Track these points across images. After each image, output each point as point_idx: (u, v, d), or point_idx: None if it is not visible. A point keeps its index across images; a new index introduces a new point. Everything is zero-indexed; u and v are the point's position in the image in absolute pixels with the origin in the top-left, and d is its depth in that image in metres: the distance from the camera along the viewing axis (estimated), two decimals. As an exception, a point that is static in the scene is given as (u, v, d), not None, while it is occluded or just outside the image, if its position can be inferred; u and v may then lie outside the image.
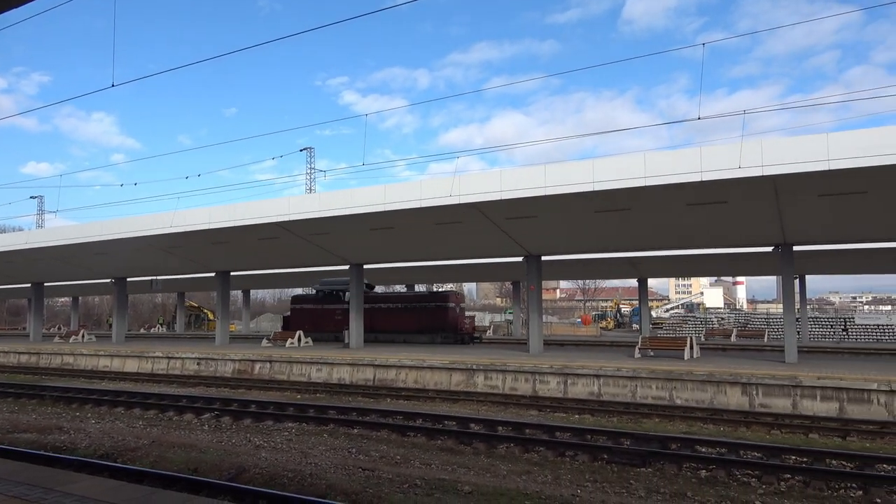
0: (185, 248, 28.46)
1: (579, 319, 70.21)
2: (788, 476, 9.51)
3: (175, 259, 30.81)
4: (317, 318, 35.43)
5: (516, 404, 17.17)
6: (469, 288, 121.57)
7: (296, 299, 39.58)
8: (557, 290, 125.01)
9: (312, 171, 55.39)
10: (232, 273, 33.19)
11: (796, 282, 31.74)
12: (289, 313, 38.64)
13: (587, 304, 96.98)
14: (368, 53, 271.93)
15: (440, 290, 39.84)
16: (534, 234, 22.81)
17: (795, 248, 20.97)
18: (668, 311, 77.07)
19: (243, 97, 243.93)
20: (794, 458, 10.63)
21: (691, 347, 22.04)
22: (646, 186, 16.59)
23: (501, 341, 38.56)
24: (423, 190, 20.37)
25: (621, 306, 79.04)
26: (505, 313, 66.60)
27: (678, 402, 16.88)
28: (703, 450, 11.15)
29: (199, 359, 26.06)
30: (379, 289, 47.15)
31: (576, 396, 18.03)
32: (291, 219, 22.62)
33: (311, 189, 54.51)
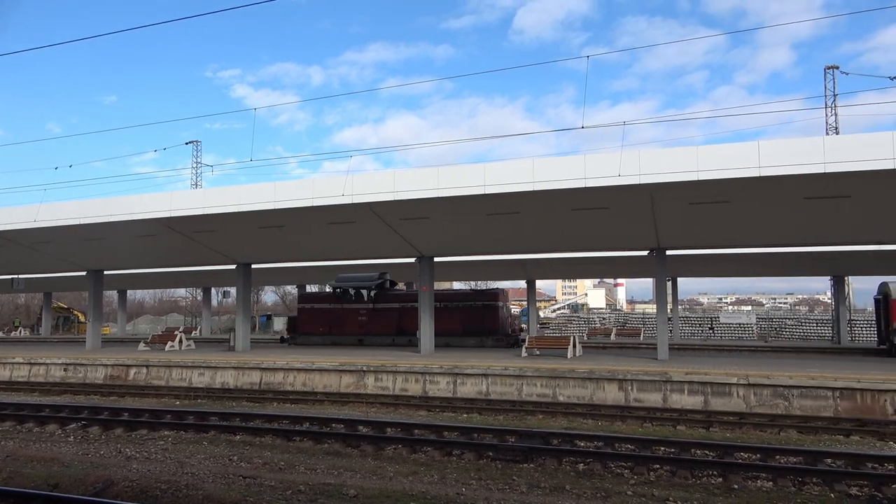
0: (53, 244, 26.24)
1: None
2: (658, 466, 10.13)
3: (41, 256, 28.33)
4: (334, 319, 31.56)
5: (406, 405, 17.21)
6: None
7: (306, 298, 35.17)
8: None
9: (198, 165, 52.83)
10: (106, 272, 30.98)
11: (669, 284, 34.04)
12: (295, 314, 34.77)
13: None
14: (262, 46, 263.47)
15: (489, 287, 35.45)
16: (427, 235, 22.97)
17: (669, 252, 22.43)
18: (554, 311, 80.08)
19: (125, 84, 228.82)
20: (663, 449, 11.34)
21: (574, 346, 23.03)
22: (534, 191, 17.15)
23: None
24: (315, 188, 19.97)
25: (511, 307, 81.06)
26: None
27: (561, 398, 17.57)
28: (582, 444, 11.67)
29: (67, 364, 24.11)
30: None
31: (465, 396, 18.32)
32: (174, 215, 21.44)
33: (196, 185, 51.96)
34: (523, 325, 37.36)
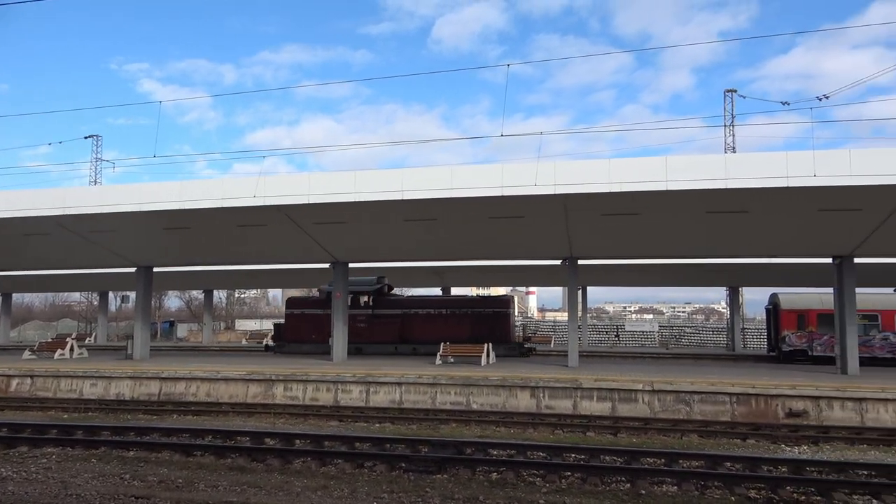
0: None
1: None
2: (569, 474, 10.21)
3: None
4: (328, 325, 28.70)
5: (317, 415, 16.67)
6: (274, 294, 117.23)
7: (294, 303, 32.34)
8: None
9: (98, 161, 49.70)
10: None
11: (579, 292, 34.94)
12: (282, 321, 31.95)
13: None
14: (172, 41, 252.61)
15: (497, 294, 32.86)
16: (342, 240, 22.49)
17: (580, 261, 23.00)
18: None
19: (16, 72, 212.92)
20: (573, 456, 11.46)
21: (488, 354, 23.16)
22: (452, 198, 17.12)
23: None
24: (225, 189, 19.13)
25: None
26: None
27: (474, 406, 17.56)
28: (495, 453, 11.61)
29: (-63, 374, 21.83)
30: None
31: (378, 405, 17.98)
32: (69, 213, 19.93)
33: (95, 181, 48.84)
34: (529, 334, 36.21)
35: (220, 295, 69.72)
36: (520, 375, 18.26)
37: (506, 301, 30.23)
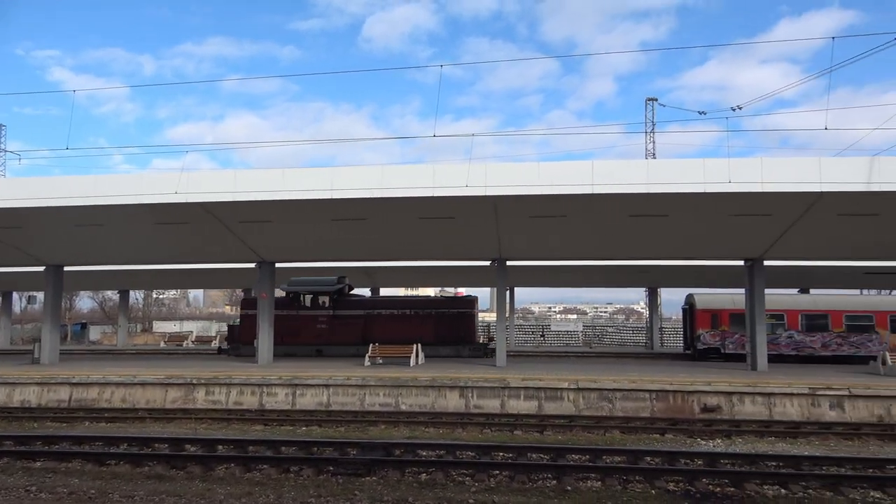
0: None
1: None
2: (497, 472, 10.32)
3: None
4: (288, 327, 27.74)
5: (241, 419, 16.18)
6: (195, 295, 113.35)
7: (250, 303, 30.06)
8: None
9: (2, 152, 46.55)
10: None
11: (507, 293, 35.44)
12: (238, 321, 30.23)
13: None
14: (86, 27, 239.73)
15: (462, 295, 31.59)
16: (268, 239, 21.93)
17: (509, 262, 23.34)
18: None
19: None
20: (502, 454, 11.60)
21: (417, 355, 23.14)
22: (383, 198, 17.00)
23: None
24: (143, 184, 18.31)
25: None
26: (234, 322, 63.25)
27: (403, 407, 17.49)
28: (424, 453, 11.60)
29: None
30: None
31: (304, 408, 17.63)
32: (-35, 207, 18.53)
33: (-1, 174, 45.73)
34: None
35: (136, 295, 66.71)
36: (449, 376, 18.33)
37: (470, 302, 30.05)
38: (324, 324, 28.29)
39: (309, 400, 17.91)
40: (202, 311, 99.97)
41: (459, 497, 8.97)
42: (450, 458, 11.11)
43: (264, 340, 23.73)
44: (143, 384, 18.57)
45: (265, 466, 10.59)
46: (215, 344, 44.25)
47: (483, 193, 16.47)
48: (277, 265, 24.67)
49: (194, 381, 18.38)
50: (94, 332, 55.15)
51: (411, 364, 22.39)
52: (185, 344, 43.87)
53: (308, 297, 29.03)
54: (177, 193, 17.66)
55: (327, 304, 28.75)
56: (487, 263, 23.90)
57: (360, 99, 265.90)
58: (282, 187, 17.42)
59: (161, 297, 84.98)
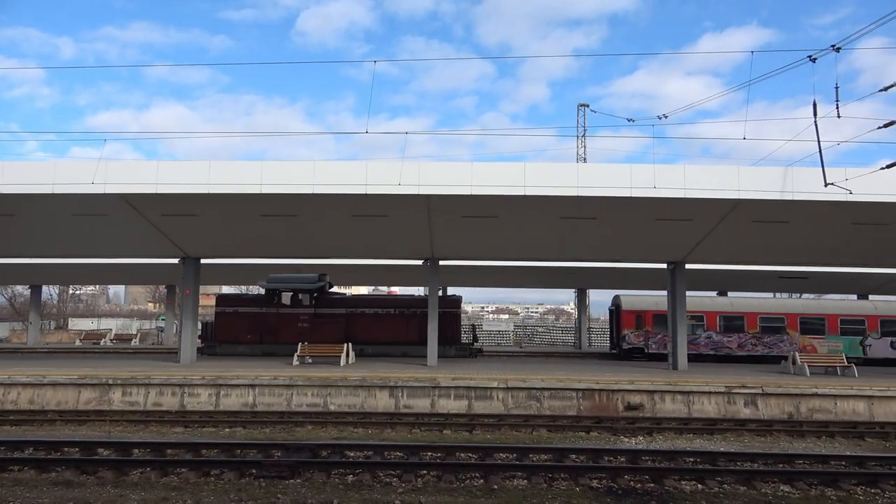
0: None
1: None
2: (425, 472, 10.26)
3: None
4: (267, 326, 26.69)
5: (160, 421, 15.50)
6: (115, 291, 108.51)
7: (227, 300, 29.55)
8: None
9: None
10: None
11: (440, 293, 35.45)
12: (212, 319, 29.01)
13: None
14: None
15: (450, 294, 30.72)
16: (194, 234, 21.15)
17: (442, 262, 23.35)
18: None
19: None
20: (430, 454, 11.55)
21: (347, 354, 22.84)
22: (314, 194, 16.67)
23: (151, 351, 34.96)
24: (59, 173, 17.29)
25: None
26: (157, 320, 60.87)
27: (332, 408, 17.22)
28: (352, 454, 11.43)
29: None
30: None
31: (229, 408, 17.08)
32: None
33: None
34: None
35: (50, 291, 63.12)
36: (379, 375, 18.16)
37: (456, 301, 29.56)
38: (305, 322, 27.53)
39: (234, 400, 17.37)
40: (123, 309, 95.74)
41: (386, 498, 8.87)
42: (378, 459, 10.99)
43: (187, 339, 22.86)
44: (53, 385, 17.53)
45: (184, 470, 10.16)
46: (135, 342, 42.39)
47: (416, 192, 16.41)
48: (247, 261, 23.94)
49: (110, 382, 17.49)
50: (2, 330, 51.84)
51: (341, 364, 22.08)
52: (102, 342, 41.81)
53: (288, 295, 28.31)
54: (94, 184, 16.77)
55: (308, 303, 28.06)
56: (420, 263, 23.84)
57: (294, 93, 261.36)
58: (208, 180, 16.82)
59: (78, 292, 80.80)
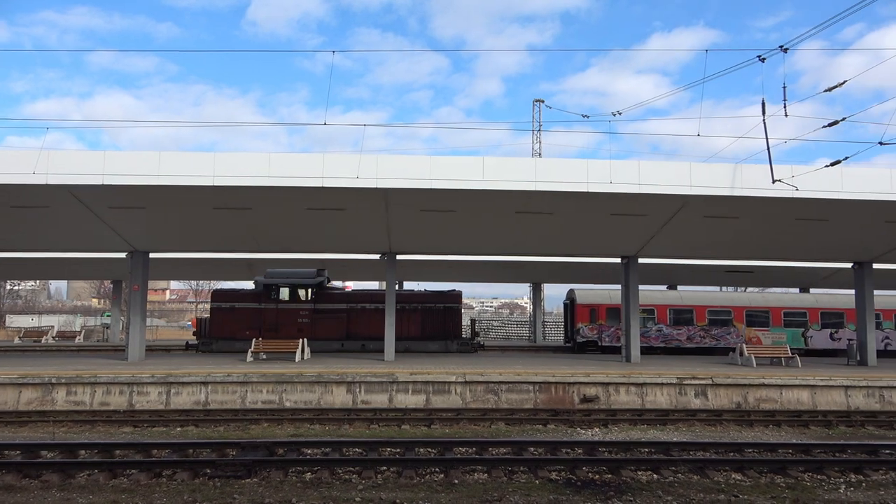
0: None
1: (189, 322, 66.35)
2: (385, 468, 10.17)
3: None
4: (266, 321, 25.82)
5: (107, 421, 14.96)
6: (58, 286, 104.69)
7: (223, 296, 28.43)
8: (167, 292, 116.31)
9: None
10: None
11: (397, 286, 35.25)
12: (208, 315, 28.20)
13: (199, 306, 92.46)
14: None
15: (450, 289, 30.24)
16: (142, 227, 20.46)
17: (399, 256, 23.21)
18: (283, 313, 78.04)
19: None
20: (389, 450, 11.47)
21: (303, 350, 22.51)
22: (269, 186, 16.31)
23: (96, 348, 33.77)
24: (-6, 163, 16.41)
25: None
26: (103, 316, 58.88)
27: (288, 404, 16.93)
28: (310, 452, 11.26)
29: None
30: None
31: (180, 407, 16.61)
32: None
33: None
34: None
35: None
36: (336, 371, 17.95)
37: (457, 296, 29.50)
38: (306, 318, 27.24)
39: (185, 399, 16.90)
40: (65, 305, 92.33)
41: (346, 496, 8.75)
42: (336, 456, 10.83)
43: (135, 336, 22.15)
44: (-9, 385, 16.72)
45: (134, 471, 9.82)
46: (79, 340, 40.88)
47: (375, 185, 16.22)
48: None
49: (53, 381, 16.79)
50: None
51: (297, 359, 21.75)
52: (44, 340, 40.19)
53: (287, 290, 27.82)
54: (35, 174, 16.02)
55: (308, 298, 27.70)
56: (377, 257, 23.66)
57: (245, 84, 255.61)
58: (158, 172, 16.26)
59: (17, 288, 77.49)
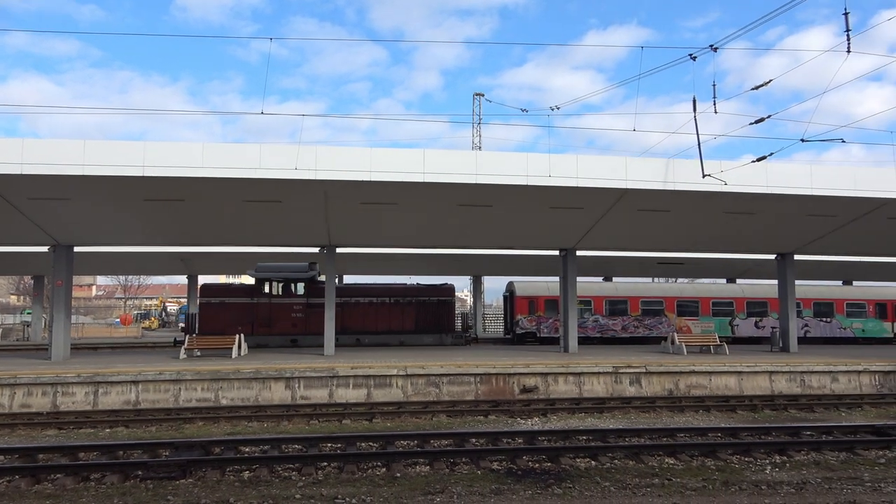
0: None
1: (118, 319, 63.81)
2: (325, 464, 10.03)
3: None
4: (259, 316, 24.93)
5: (29, 424, 14.18)
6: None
7: (212, 290, 27.81)
8: (94, 287, 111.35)
9: None
10: None
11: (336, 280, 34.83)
12: (198, 310, 27.72)
13: (128, 302, 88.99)
14: None
15: (443, 283, 30.17)
16: (66, 220, 19.44)
17: (339, 249, 22.92)
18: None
19: None
20: (330, 445, 11.33)
21: (240, 346, 21.97)
22: (203, 177, 15.79)
23: (16, 347, 32.00)
24: None
25: (168, 305, 75.03)
26: (23, 314, 55.85)
27: (224, 402, 16.50)
28: (247, 450, 10.99)
29: None
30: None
31: (109, 407, 15.93)
32: None
33: None
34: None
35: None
36: (274, 367, 17.59)
37: (450, 290, 29.70)
38: (299, 312, 27.06)
39: (114, 399, 16.21)
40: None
41: (285, 493, 8.58)
42: (275, 453, 10.62)
43: (59, 334, 21.09)
44: None
45: (59, 476, 9.34)
46: None
47: (314, 177, 15.94)
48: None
49: (-32, 383, 15.79)
50: None
51: (233, 355, 21.20)
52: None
53: (279, 285, 27.35)
54: (-55, 163, 14.98)
55: (301, 292, 27.45)
56: (317, 250, 23.29)
57: (175, 71, 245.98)
58: (84, 161, 15.48)
59: (-75, 284, 72.53)
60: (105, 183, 16.08)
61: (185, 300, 46.46)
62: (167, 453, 10.52)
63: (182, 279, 39.29)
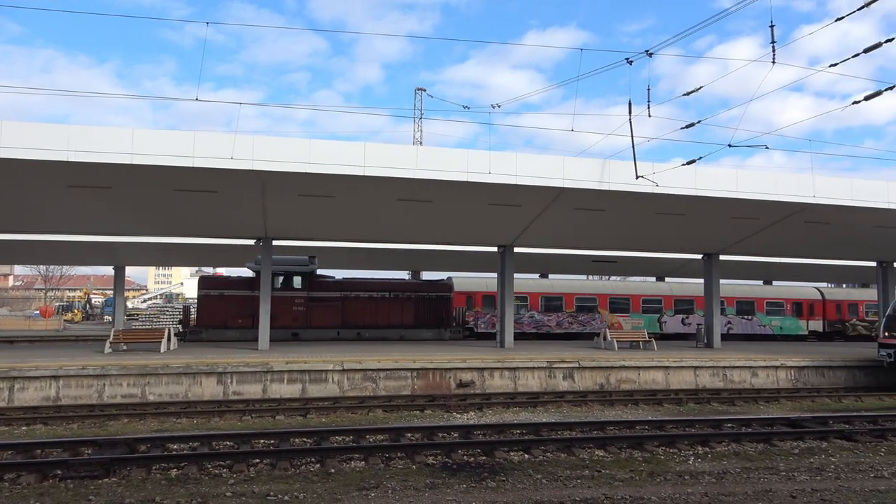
0: None
1: (37, 311, 60.64)
2: (258, 461, 9.86)
3: None
4: (258, 309, 22.78)
5: (-65, 422, 13.32)
6: None
7: (211, 283, 27.83)
8: (11, 278, 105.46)
9: None
10: None
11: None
12: (196, 302, 27.79)
13: (50, 293, 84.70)
14: None
15: (442, 279, 30.16)
16: (-21, 205, 18.31)
17: (276, 242, 22.46)
18: (145, 301, 73.52)
19: None
20: (263, 441, 11.13)
21: (169, 339, 21.25)
22: (132, 164, 15.15)
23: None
24: None
25: (92, 296, 71.84)
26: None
27: (151, 398, 15.94)
28: (175, 447, 10.67)
29: None
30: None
31: (26, 404, 15.15)
32: None
33: None
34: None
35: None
36: (205, 361, 17.11)
37: (449, 286, 30.44)
38: (300, 306, 27.23)
39: (32, 395, 15.41)
40: None
41: (215, 491, 8.37)
42: (205, 450, 10.34)
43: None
44: None
45: (-32, 477, 8.81)
46: None
47: (250, 168, 15.54)
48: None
49: None
50: None
51: (162, 350, 20.48)
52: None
53: (280, 278, 26.93)
54: None
55: (302, 286, 27.53)
56: (252, 242, 22.75)
57: (102, 52, 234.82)
58: (0, 143, 14.57)
59: None
60: (24, 167, 15.19)
61: (111, 292, 44.57)
62: (89, 451, 10.10)
63: (108, 270, 37.59)
